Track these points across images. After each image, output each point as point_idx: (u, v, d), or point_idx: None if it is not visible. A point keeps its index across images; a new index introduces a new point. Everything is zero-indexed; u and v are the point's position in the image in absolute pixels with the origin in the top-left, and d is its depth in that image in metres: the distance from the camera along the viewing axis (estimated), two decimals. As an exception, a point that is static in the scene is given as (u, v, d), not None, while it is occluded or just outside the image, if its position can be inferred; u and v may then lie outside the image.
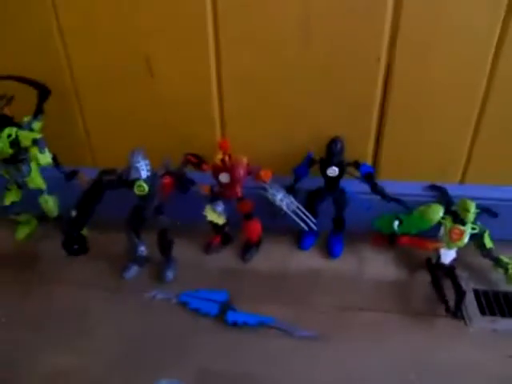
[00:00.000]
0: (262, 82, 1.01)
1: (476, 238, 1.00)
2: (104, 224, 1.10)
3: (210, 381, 0.87)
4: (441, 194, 1.06)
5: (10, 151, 1.04)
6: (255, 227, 1.08)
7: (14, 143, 1.04)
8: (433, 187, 1.07)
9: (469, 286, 1.00)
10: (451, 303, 0.94)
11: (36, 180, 1.10)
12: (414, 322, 0.94)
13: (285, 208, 0.99)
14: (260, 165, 1.02)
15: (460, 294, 0.94)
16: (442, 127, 1.02)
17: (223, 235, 1.14)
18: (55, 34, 1.02)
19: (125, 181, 0.97)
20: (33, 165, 1.08)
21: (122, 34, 0.99)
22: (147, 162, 0.96)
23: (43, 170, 1.11)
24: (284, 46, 0.96)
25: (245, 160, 1.00)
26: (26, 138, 1.03)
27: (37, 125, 1.06)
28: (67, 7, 0.99)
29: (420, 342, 0.91)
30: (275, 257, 1.11)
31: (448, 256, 1.00)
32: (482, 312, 0.95)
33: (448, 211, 1.01)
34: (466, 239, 0.98)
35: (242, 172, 0.99)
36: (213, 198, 1.03)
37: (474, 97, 0.97)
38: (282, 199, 0.99)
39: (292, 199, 1.00)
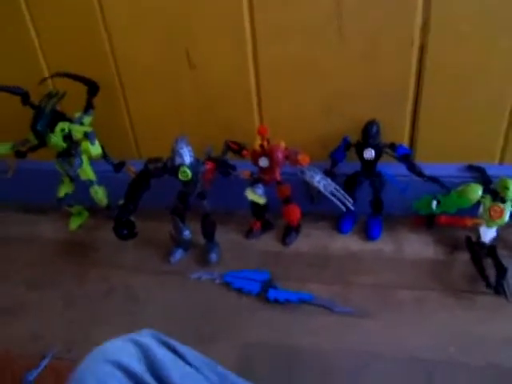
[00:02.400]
0: (297, 70, 1.04)
1: (516, 217, 1.00)
2: (146, 213, 1.15)
3: (254, 353, 0.90)
4: (479, 174, 1.06)
5: (64, 145, 1.12)
6: (294, 211, 1.11)
7: (67, 137, 1.12)
8: (471, 168, 1.08)
9: (509, 264, 0.99)
10: (492, 280, 0.95)
11: (87, 171, 1.17)
12: (455, 299, 0.95)
13: (322, 189, 1.01)
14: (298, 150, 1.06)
15: (501, 270, 0.94)
16: (477, 108, 1.02)
17: (264, 221, 1.17)
18: (102, 31, 1.08)
19: (170, 168, 1.03)
20: (84, 157, 1.16)
21: (164, 28, 1.05)
22: (190, 148, 1.01)
23: (93, 163, 1.19)
24: (318, 34, 0.99)
25: (283, 144, 1.04)
26: (78, 131, 1.11)
27: (87, 119, 1.14)
28: (112, 5, 1.05)
29: (460, 318, 0.91)
30: (315, 240, 1.14)
31: (488, 234, 1.00)
32: (524, 289, 0.95)
33: (487, 190, 1.01)
34: (506, 217, 0.98)
35: (280, 155, 1.02)
36: (253, 182, 1.07)
37: (509, 76, 0.97)
38: (319, 181, 1.02)
39: (329, 181, 1.02)
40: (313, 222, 1.18)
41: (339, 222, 1.16)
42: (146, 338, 0.58)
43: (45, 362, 0.92)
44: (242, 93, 1.09)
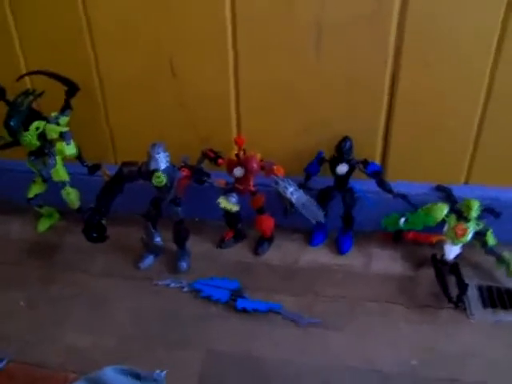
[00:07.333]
0: (276, 85, 1.07)
1: (479, 236, 1.03)
2: (118, 218, 1.14)
3: (217, 361, 0.90)
4: (446, 194, 1.10)
5: (37, 143, 1.11)
6: (267, 222, 1.12)
7: (41, 136, 1.10)
8: (438, 188, 1.12)
9: (472, 281, 1.03)
10: (454, 296, 0.97)
11: (60, 172, 1.16)
12: (418, 313, 0.98)
13: (294, 201, 1.03)
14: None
15: (462, 286, 0.98)
16: (445, 131, 1.06)
17: (236, 231, 1.18)
18: (85, 35, 1.09)
19: (144, 172, 1.02)
20: (58, 158, 1.15)
21: (148, 35, 1.06)
22: (167, 154, 1.02)
23: (67, 165, 1.18)
24: (298, 52, 1.03)
25: (258, 155, 1.06)
26: (53, 131, 1.10)
27: (64, 120, 1.13)
28: (97, 8, 1.06)
29: (423, 332, 0.94)
30: (287, 252, 1.16)
31: (452, 252, 1.03)
32: (485, 305, 0.98)
33: (452, 210, 1.05)
34: (469, 235, 1.02)
35: (255, 165, 1.04)
36: (227, 191, 1.08)
37: (475, 101, 1.02)
38: (292, 192, 1.03)
39: (302, 193, 1.04)
40: (285, 235, 1.19)
41: (311, 235, 1.17)
42: (107, 374, 0.56)
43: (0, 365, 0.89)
44: (222, 104, 1.11)
